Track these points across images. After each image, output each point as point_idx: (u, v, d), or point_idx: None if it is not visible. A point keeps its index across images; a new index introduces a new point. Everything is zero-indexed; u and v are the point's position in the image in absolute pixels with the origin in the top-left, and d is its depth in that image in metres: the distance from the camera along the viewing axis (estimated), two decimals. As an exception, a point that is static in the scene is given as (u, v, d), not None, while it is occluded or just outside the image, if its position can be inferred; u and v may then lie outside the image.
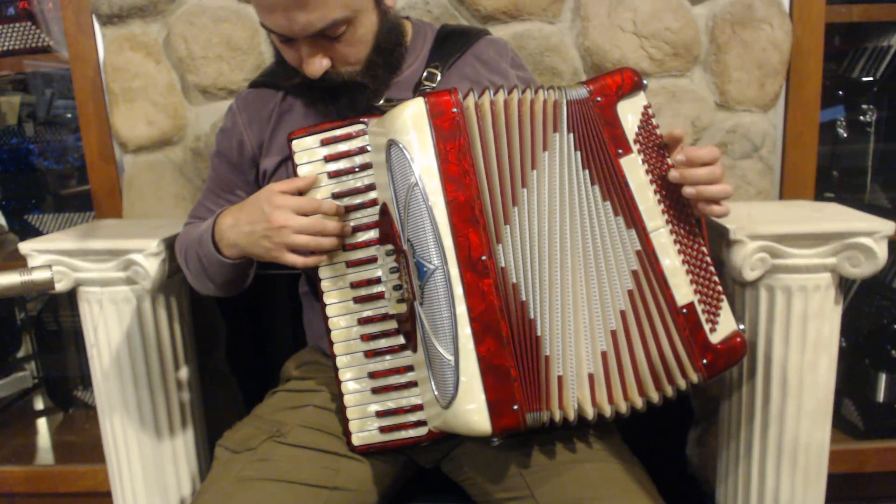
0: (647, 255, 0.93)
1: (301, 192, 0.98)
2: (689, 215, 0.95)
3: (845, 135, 1.80)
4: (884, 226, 1.16)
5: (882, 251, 1.17)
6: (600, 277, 0.93)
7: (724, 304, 0.97)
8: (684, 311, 0.93)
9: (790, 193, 1.54)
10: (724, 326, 0.96)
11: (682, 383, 0.94)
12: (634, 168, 0.93)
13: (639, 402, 0.94)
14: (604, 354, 0.93)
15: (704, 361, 0.94)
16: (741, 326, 0.97)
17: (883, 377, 1.71)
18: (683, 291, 0.93)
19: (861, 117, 1.78)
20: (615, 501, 0.93)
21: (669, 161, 0.95)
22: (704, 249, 0.96)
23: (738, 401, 1.29)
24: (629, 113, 0.94)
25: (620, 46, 1.45)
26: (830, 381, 1.23)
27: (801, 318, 1.20)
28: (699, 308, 0.94)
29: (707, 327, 0.94)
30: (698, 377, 0.94)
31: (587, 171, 0.93)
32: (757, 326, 1.23)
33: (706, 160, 0.91)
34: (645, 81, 0.96)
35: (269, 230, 0.94)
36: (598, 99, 0.93)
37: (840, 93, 1.79)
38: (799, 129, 1.52)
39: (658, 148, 0.95)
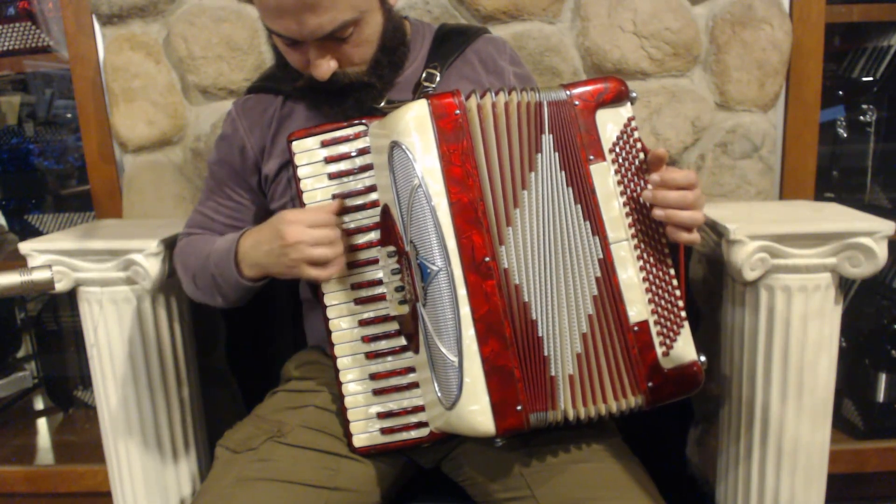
0: (606, 265, 0.92)
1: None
2: (660, 235, 0.94)
3: (845, 135, 1.80)
4: (884, 226, 1.17)
5: (882, 251, 1.17)
6: (575, 280, 0.93)
7: (685, 332, 0.94)
8: (636, 328, 0.92)
9: (790, 193, 1.55)
10: (680, 353, 0.93)
11: (632, 401, 0.93)
12: (604, 176, 0.93)
13: (602, 409, 0.93)
14: (578, 357, 0.93)
15: (650, 384, 0.92)
16: (702, 358, 0.94)
17: (883, 377, 1.71)
18: (638, 308, 0.92)
19: (861, 117, 1.78)
20: (616, 502, 0.93)
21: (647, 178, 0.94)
22: (672, 272, 0.94)
23: (738, 401, 1.29)
24: (609, 122, 0.93)
25: (620, 46, 1.45)
26: (830, 381, 1.24)
27: (801, 318, 1.20)
28: (653, 329, 0.93)
29: (660, 350, 0.93)
30: (641, 399, 0.93)
31: (564, 174, 0.92)
32: (757, 326, 1.23)
33: (680, 184, 0.90)
34: (633, 94, 0.94)
35: (284, 247, 0.94)
36: (576, 103, 0.93)
37: (840, 93, 1.79)
38: (799, 129, 1.52)
39: (637, 163, 0.94)
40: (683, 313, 0.94)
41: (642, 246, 0.93)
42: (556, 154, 0.92)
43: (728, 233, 1.19)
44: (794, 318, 1.20)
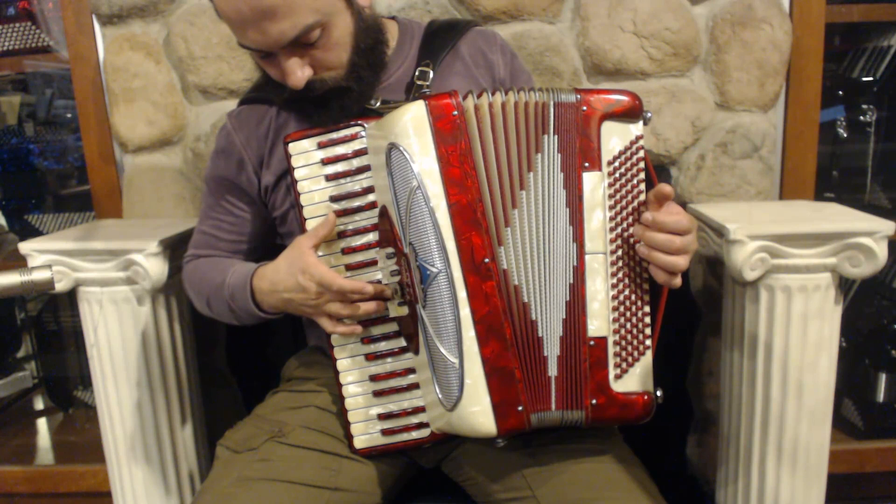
0: (577, 273, 0.91)
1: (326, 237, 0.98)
2: (642, 259, 0.92)
3: (845, 135, 1.80)
4: (884, 226, 1.17)
5: (882, 251, 1.17)
6: (558, 283, 0.92)
7: (646, 361, 0.93)
8: (591, 342, 0.91)
9: (790, 193, 1.55)
10: (635, 381, 0.92)
11: (575, 415, 0.92)
12: (595, 187, 0.91)
13: (570, 416, 0.93)
14: (559, 359, 0.92)
15: (594, 401, 0.91)
16: (658, 393, 0.93)
17: (883, 377, 1.71)
18: (598, 323, 0.91)
19: (861, 117, 1.78)
20: (617, 502, 0.93)
21: (645, 208, 0.92)
22: (647, 298, 0.92)
23: (738, 401, 1.29)
24: (615, 135, 0.92)
25: (620, 46, 1.45)
26: (830, 381, 1.24)
27: (801, 318, 1.20)
28: (611, 349, 0.91)
29: (613, 371, 0.91)
30: (581, 414, 0.92)
31: (562, 175, 0.92)
32: (757, 326, 1.23)
33: (671, 229, 0.88)
34: (648, 114, 0.93)
35: (309, 300, 0.95)
36: (584, 108, 0.92)
37: (840, 93, 1.79)
38: (799, 129, 1.52)
39: (635, 181, 0.92)
40: (649, 342, 0.93)
41: (619, 264, 0.92)
42: (559, 156, 0.92)
43: (728, 233, 1.19)
44: (794, 318, 1.20)
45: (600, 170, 0.92)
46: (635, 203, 0.92)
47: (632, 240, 0.92)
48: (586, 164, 0.91)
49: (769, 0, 1.44)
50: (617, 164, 0.92)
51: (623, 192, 0.92)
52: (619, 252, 0.92)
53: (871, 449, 1.63)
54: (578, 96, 0.92)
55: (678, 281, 0.90)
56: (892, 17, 1.61)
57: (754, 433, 1.26)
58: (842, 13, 1.54)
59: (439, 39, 1.12)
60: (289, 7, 0.89)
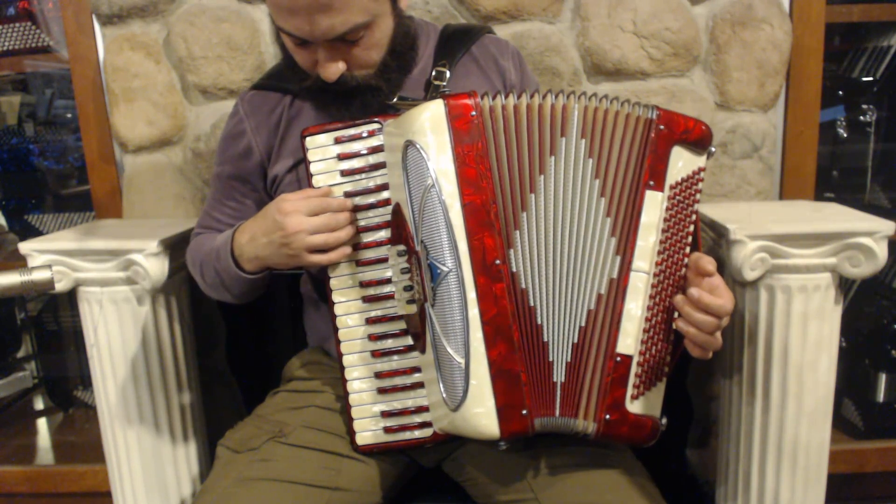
0: (617, 288, 0.91)
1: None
2: (680, 289, 0.92)
3: (845, 135, 1.80)
4: (884, 226, 1.17)
5: (882, 251, 1.17)
6: (577, 290, 0.92)
7: (660, 388, 0.93)
8: (618, 358, 0.91)
9: (790, 193, 1.55)
10: (647, 405, 0.93)
11: (588, 425, 0.92)
12: (654, 206, 0.91)
13: (573, 425, 0.93)
14: (569, 366, 0.92)
15: (607, 416, 0.90)
16: (663, 420, 0.94)
17: (883, 377, 1.71)
18: (628, 342, 0.91)
19: (861, 117, 1.78)
20: (619, 506, 0.93)
21: (689, 245, 0.93)
22: (673, 326, 0.92)
23: (738, 400, 1.29)
24: (681, 160, 0.92)
25: (620, 46, 1.45)
26: (830, 381, 1.24)
27: (801, 318, 1.20)
28: (634, 368, 0.91)
29: (631, 391, 0.91)
30: (593, 427, 0.91)
31: (598, 182, 0.91)
32: (757, 326, 1.23)
33: (711, 310, 0.87)
34: (713, 149, 0.94)
35: (285, 237, 0.94)
36: (661, 127, 0.92)
37: (840, 93, 1.79)
38: (799, 129, 1.52)
39: (689, 211, 0.93)
40: (667, 369, 0.94)
41: (659, 288, 0.92)
42: (591, 161, 0.91)
43: (728, 233, 1.19)
44: (794, 318, 1.20)
45: (663, 191, 0.92)
46: (684, 233, 0.93)
47: (674, 263, 0.92)
48: (651, 183, 0.91)
49: (769, 0, 1.44)
50: (678, 189, 0.92)
51: (677, 218, 0.93)
52: (661, 276, 0.92)
53: (871, 449, 1.63)
54: (659, 113, 0.92)
55: (709, 356, 0.91)
56: (892, 17, 1.61)
57: (754, 433, 1.26)
58: (842, 13, 1.54)
59: (455, 42, 1.13)
60: (344, 3, 0.90)
